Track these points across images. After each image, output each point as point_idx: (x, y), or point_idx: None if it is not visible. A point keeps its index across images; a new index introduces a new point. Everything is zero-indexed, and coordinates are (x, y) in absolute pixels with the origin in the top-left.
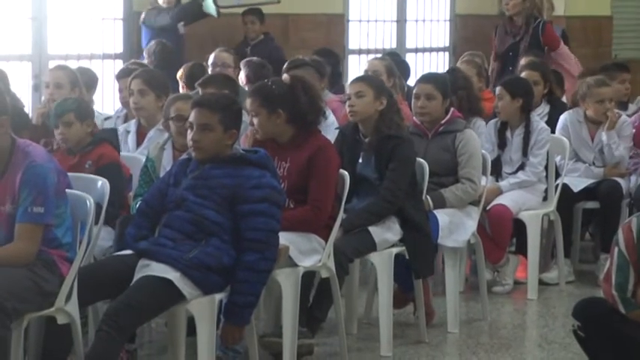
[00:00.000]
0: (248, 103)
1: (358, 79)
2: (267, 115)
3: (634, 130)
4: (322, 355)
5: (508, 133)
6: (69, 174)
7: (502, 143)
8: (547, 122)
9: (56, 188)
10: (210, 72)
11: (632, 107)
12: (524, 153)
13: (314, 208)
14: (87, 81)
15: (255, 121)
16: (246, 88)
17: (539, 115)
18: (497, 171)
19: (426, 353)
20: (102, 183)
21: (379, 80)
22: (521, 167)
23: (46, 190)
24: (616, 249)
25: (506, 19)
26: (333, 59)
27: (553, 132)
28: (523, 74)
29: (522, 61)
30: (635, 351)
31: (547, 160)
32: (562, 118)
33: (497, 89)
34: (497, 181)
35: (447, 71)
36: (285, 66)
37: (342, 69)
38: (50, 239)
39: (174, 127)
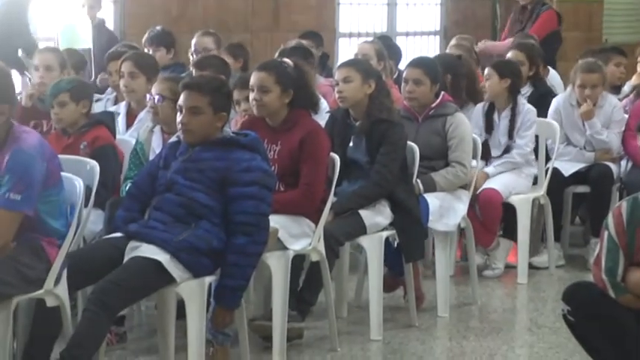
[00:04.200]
0: (259, 78)
1: (345, 64)
2: (280, 93)
3: (626, 115)
4: (312, 339)
5: (495, 116)
6: (61, 156)
7: (489, 127)
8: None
9: (45, 176)
10: (192, 59)
11: (624, 91)
12: (511, 135)
13: (305, 191)
14: (75, 63)
15: (265, 96)
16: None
17: (523, 96)
18: (485, 155)
19: (415, 337)
20: (91, 166)
21: (366, 63)
22: (507, 150)
23: (27, 177)
24: (606, 233)
25: (518, 7)
26: (318, 42)
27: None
28: (509, 54)
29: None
30: (624, 336)
31: (537, 143)
32: (554, 101)
33: (487, 70)
34: (486, 164)
35: (457, 56)
36: (277, 53)
37: (332, 52)
38: (42, 228)
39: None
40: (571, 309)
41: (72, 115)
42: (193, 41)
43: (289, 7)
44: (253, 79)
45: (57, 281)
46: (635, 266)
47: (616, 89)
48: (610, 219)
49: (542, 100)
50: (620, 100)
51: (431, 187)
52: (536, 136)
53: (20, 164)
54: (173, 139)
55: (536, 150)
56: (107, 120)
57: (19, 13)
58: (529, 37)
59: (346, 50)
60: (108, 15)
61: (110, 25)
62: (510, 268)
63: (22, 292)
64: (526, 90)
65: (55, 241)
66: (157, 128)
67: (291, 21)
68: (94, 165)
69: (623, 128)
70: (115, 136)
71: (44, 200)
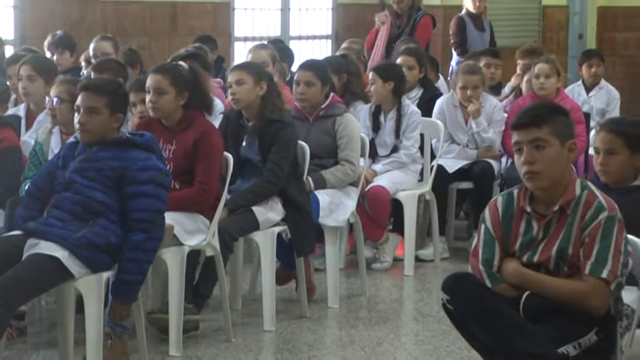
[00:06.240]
0: (155, 80)
1: (237, 67)
2: (175, 95)
3: (506, 115)
4: (208, 331)
5: (382, 118)
6: None
7: (376, 127)
8: (417, 105)
9: None
10: (84, 64)
11: (504, 92)
12: (397, 136)
13: (200, 189)
14: None
15: (160, 98)
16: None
17: (411, 99)
18: (372, 154)
19: (307, 327)
20: None
21: (258, 66)
22: (395, 150)
23: None
24: (483, 226)
25: (393, 13)
26: (212, 45)
27: (423, 114)
28: (399, 60)
29: (399, 47)
30: (499, 323)
31: (423, 142)
32: (438, 102)
33: (370, 74)
34: (373, 162)
35: (340, 56)
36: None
37: (227, 56)
38: None
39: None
40: (450, 298)
41: None
42: (92, 45)
43: (186, 12)
44: (149, 81)
45: None
46: (510, 257)
47: (494, 90)
48: (486, 212)
49: (431, 101)
50: (501, 100)
51: (321, 184)
52: (422, 135)
53: None
54: (71, 139)
55: (421, 148)
56: (14, 123)
57: None
58: (412, 40)
59: (241, 54)
60: (8, 20)
61: (10, 29)
62: (398, 261)
63: None
64: (416, 92)
65: None
66: (56, 129)
67: (188, 25)
68: None
69: (503, 127)
70: (19, 139)
71: None
